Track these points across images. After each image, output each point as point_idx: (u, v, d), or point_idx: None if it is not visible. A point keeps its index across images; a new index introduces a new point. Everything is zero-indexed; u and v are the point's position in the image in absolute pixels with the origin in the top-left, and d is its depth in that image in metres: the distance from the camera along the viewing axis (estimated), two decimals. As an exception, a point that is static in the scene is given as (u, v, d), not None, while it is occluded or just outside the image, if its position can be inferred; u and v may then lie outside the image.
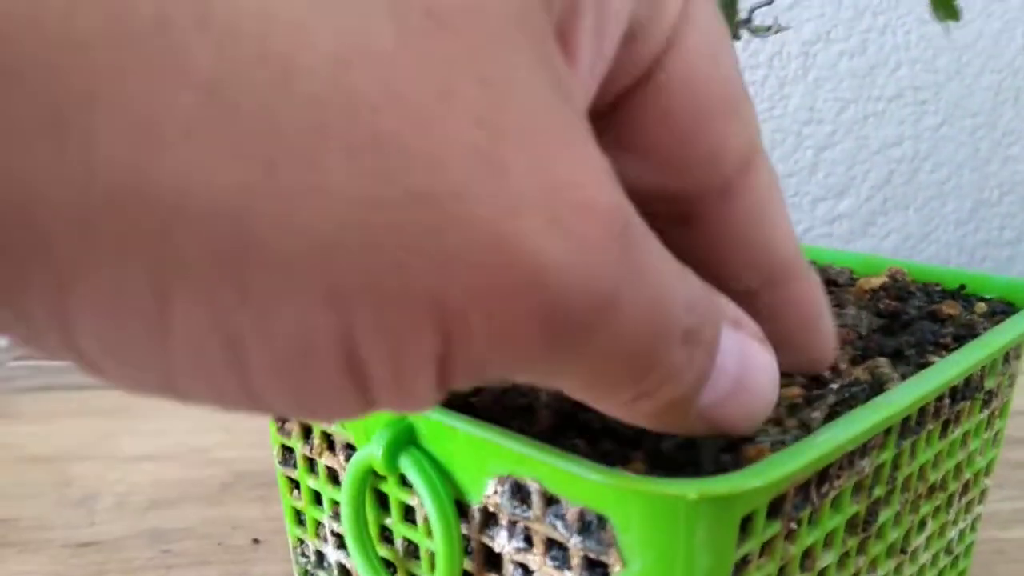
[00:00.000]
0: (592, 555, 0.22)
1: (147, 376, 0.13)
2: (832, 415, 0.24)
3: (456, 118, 0.12)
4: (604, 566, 0.22)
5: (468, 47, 0.12)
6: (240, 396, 0.13)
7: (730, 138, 0.19)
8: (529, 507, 0.23)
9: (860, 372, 0.26)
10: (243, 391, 0.13)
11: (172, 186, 0.11)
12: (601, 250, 0.14)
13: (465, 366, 0.14)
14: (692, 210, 0.20)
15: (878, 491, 0.27)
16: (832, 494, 0.24)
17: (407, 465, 0.25)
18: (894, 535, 0.29)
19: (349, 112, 0.11)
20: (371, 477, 0.27)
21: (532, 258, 0.13)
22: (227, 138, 0.11)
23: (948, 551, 0.34)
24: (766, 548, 0.23)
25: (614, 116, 0.19)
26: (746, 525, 0.22)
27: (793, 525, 0.23)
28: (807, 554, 0.25)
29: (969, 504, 0.35)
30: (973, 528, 0.36)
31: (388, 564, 0.28)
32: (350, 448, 0.28)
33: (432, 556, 0.26)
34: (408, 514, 0.27)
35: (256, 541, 0.44)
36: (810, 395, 0.26)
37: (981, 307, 0.33)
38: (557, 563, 0.23)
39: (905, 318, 0.32)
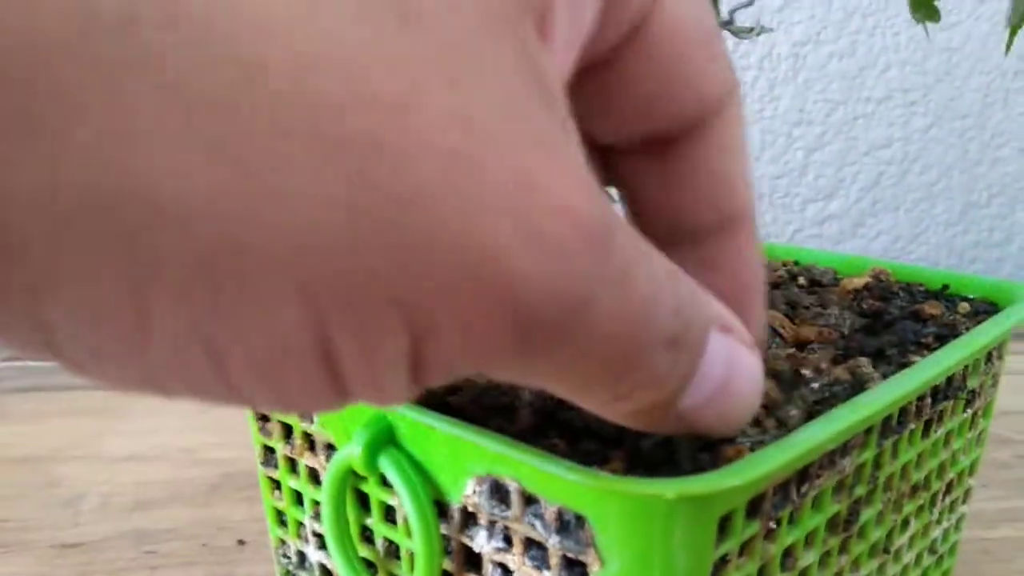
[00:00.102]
0: (571, 555, 0.22)
1: (128, 373, 0.13)
2: (812, 414, 0.24)
3: (426, 120, 0.12)
4: (583, 566, 0.22)
5: (439, 48, 0.12)
6: (219, 391, 0.13)
7: (713, 75, 0.20)
8: (508, 507, 0.23)
9: (841, 372, 0.26)
10: (222, 386, 0.13)
11: (142, 187, 0.11)
12: (576, 258, 0.14)
13: (437, 364, 0.14)
14: (668, 147, 0.21)
15: (860, 490, 0.27)
16: (813, 493, 0.24)
17: (387, 465, 0.25)
18: (877, 534, 0.29)
19: (317, 113, 0.11)
20: (351, 477, 0.27)
21: (499, 262, 0.13)
22: (196, 139, 0.11)
23: (932, 551, 0.34)
24: (746, 548, 0.23)
25: (602, 69, 0.19)
26: (725, 524, 0.22)
27: (773, 524, 0.23)
28: (788, 553, 0.25)
29: (953, 504, 0.35)
30: (957, 528, 0.36)
31: (369, 564, 0.28)
32: (331, 448, 0.28)
33: (412, 556, 0.26)
34: (389, 514, 0.27)
35: (241, 542, 0.44)
36: (789, 394, 0.26)
37: (964, 307, 0.33)
38: (536, 563, 0.23)
39: (887, 318, 0.32)
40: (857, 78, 0.84)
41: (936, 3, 0.32)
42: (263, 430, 0.31)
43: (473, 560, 0.25)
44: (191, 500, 0.48)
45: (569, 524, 0.22)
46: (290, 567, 0.33)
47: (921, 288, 0.35)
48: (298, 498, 0.31)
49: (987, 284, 0.34)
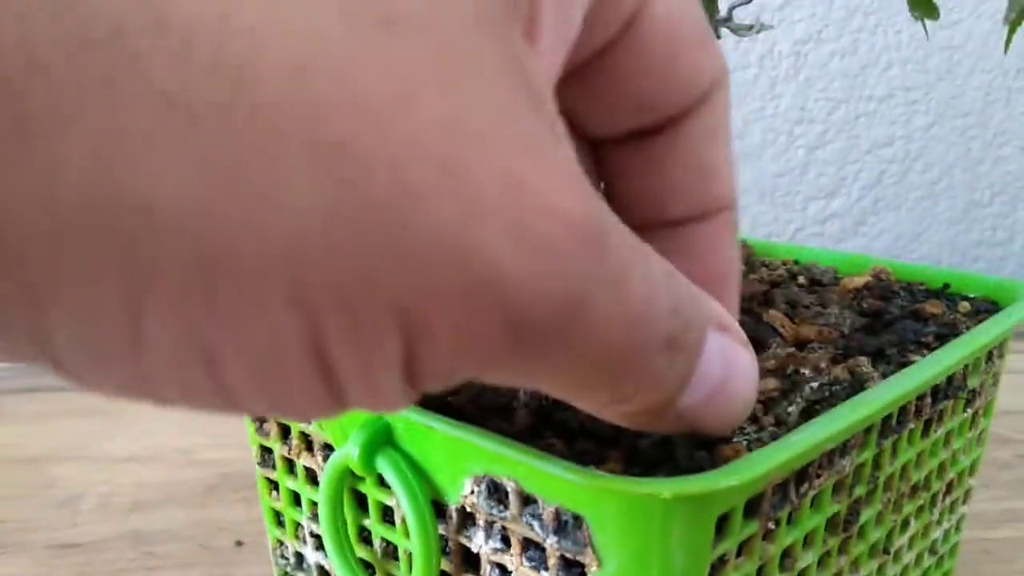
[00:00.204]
0: (568, 555, 0.22)
1: (124, 382, 0.13)
2: (811, 414, 0.24)
3: (416, 124, 0.12)
4: (581, 566, 0.22)
5: (427, 52, 0.12)
6: (216, 399, 0.13)
7: (703, 64, 0.20)
8: (506, 507, 0.23)
9: (840, 371, 0.26)
10: (218, 394, 0.13)
11: (136, 194, 0.11)
12: (569, 259, 0.14)
13: (432, 369, 0.14)
14: (654, 135, 0.21)
15: (859, 490, 0.26)
16: (812, 493, 0.24)
17: (384, 465, 0.25)
18: (876, 535, 0.28)
19: (307, 118, 0.11)
20: (349, 477, 0.27)
21: (491, 264, 0.13)
22: (188, 146, 0.11)
23: (932, 551, 0.34)
24: (744, 548, 0.23)
25: (594, 65, 0.19)
26: (723, 525, 0.22)
27: (771, 525, 0.23)
28: (787, 554, 0.25)
29: (953, 504, 0.34)
30: (958, 528, 0.36)
31: (367, 565, 0.28)
32: (328, 448, 0.28)
33: (410, 557, 0.26)
34: (387, 515, 0.27)
35: (239, 543, 0.44)
36: (786, 389, 0.25)
37: (965, 306, 0.33)
38: (534, 563, 0.23)
39: (888, 317, 0.31)
40: (859, 76, 0.84)
41: (935, 0, 0.32)
42: (260, 431, 0.31)
43: (471, 560, 0.25)
44: (189, 501, 0.48)
45: (567, 524, 0.22)
46: (288, 568, 0.33)
47: (922, 287, 0.35)
48: (296, 499, 0.31)
49: (988, 283, 0.34)
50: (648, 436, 0.23)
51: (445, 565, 0.25)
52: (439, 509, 0.25)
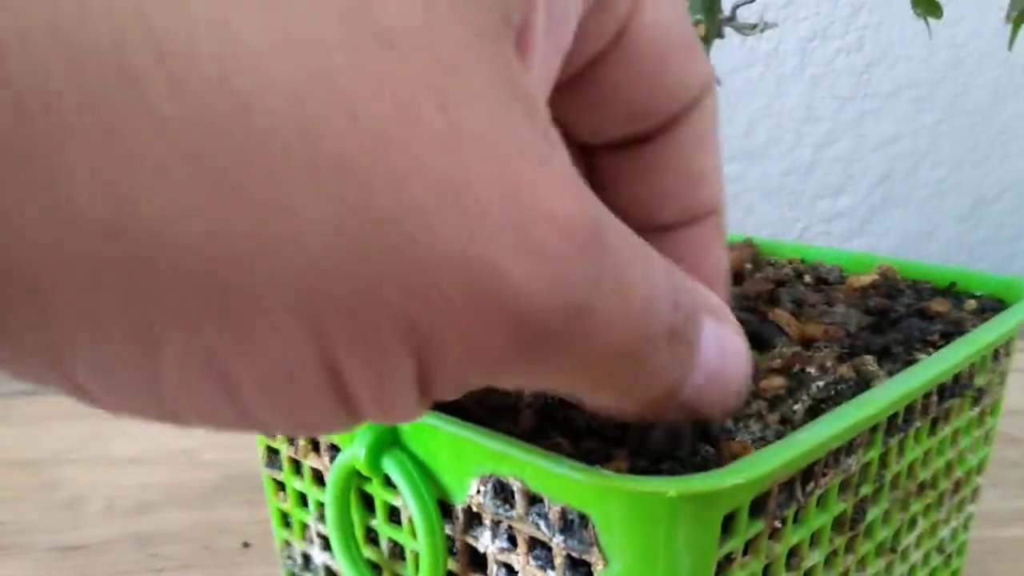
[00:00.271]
0: (575, 554, 0.22)
1: (141, 405, 0.13)
2: (817, 412, 0.24)
3: (416, 142, 0.12)
4: (587, 565, 0.22)
5: (423, 68, 0.12)
6: (232, 418, 0.14)
7: (692, 72, 0.20)
8: (512, 506, 0.23)
9: (846, 369, 0.26)
10: (235, 414, 0.14)
11: (146, 224, 0.11)
12: (569, 262, 0.14)
13: (444, 380, 0.14)
14: (644, 142, 0.21)
15: (865, 489, 0.26)
16: (818, 492, 0.24)
17: (390, 466, 0.25)
18: (883, 534, 0.28)
19: (310, 142, 0.11)
20: (356, 478, 0.27)
21: (495, 274, 0.13)
22: (196, 174, 0.11)
23: (940, 550, 0.34)
24: (750, 547, 0.23)
25: (586, 74, 0.20)
26: (729, 523, 0.22)
27: (778, 523, 0.23)
28: (793, 553, 0.25)
29: (961, 503, 0.34)
30: (966, 527, 0.36)
31: (374, 566, 0.28)
32: (335, 449, 0.28)
33: (417, 557, 0.26)
34: (393, 515, 0.27)
35: (245, 545, 0.44)
36: (792, 388, 0.25)
37: (971, 304, 0.33)
38: (540, 563, 0.23)
39: (893, 316, 0.31)
40: (864, 74, 0.84)
41: (939, -2, 0.32)
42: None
43: (478, 560, 0.25)
44: (193, 502, 0.48)
45: (573, 523, 0.22)
46: (295, 569, 0.33)
47: (928, 286, 0.35)
48: (302, 500, 0.31)
49: (994, 281, 0.34)
50: (653, 434, 0.23)
51: (452, 565, 0.25)
52: (445, 509, 0.25)
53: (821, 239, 0.87)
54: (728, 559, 0.22)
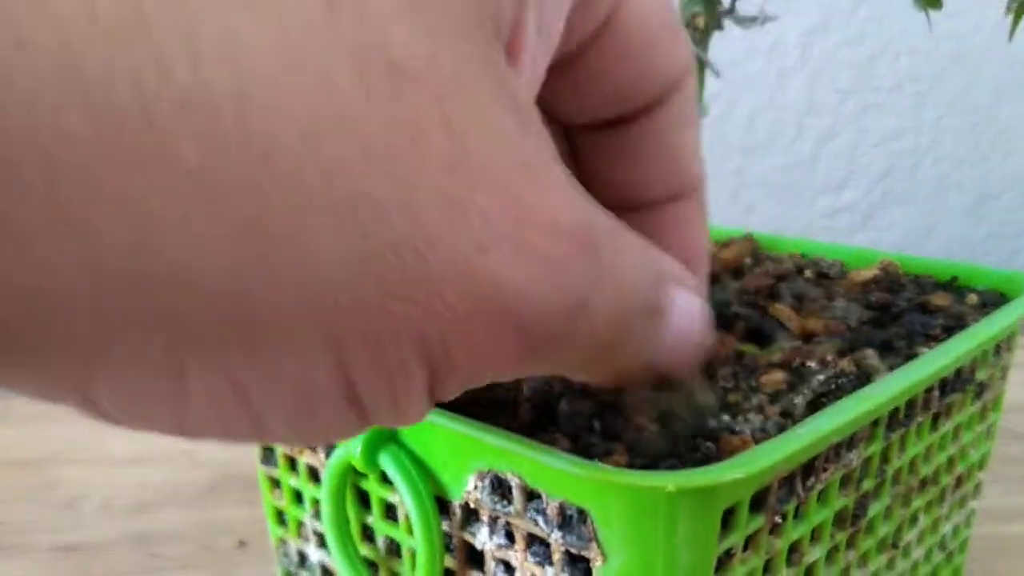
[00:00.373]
0: (573, 550, 0.22)
1: (159, 425, 0.14)
2: (817, 406, 0.24)
3: (427, 169, 0.13)
4: (586, 561, 0.22)
5: (431, 97, 0.13)
6: (252, 434, 0.15)
7: (675, 56, 0.21)
8: (510, 502, 0.23)
9: (847, 363, 0.26)
10: (252, 430, 0.14)
11: (174, 268, 0.11)
12: (570, 266, 0.15)
13: (452, 384, 0.15)
14: (627, 124, 0.22)
15: (867, 484, 0.26)
16: (819, 487, 0.24)
17: (387, 462, 0.25)
18: (885, 529, 0.28)
19: (330, 178, 0.12)
20: (352, 475, 0.27)
21: (504, 288, 0.14)
22: (220, 218, 0.11)
23: (942, 546, 0.34)
24: (750, 542, 0.23)
25: (571, 61, 0.20)
26: (729, 518, 0.22)
27: (778, 519, 0.23)
28: (794, 548, 0.25)
29: (963, 499, 0.34)
30: (968, 523, 0.36)
31: (370, 563, 0.28)
32: (330, 446, 0.28)
33: (414, 554, 0.26)
34: (390, 512, 0.27)
35: (242, 544, 0.44)
36: (793, 382, 0.25)
37: (972, 299, 0.32)
38: (538, 559, 0.23)
39: (895, 310, 0.31)
40: (866, 68, 0.83)
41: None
42: (263, 428, 0.31)
43: (475, 557, 0.25)
44: (191, 502, 0.48)
45: (571, 519, 0.22)
46: (291, 567, 0.32)
47: (929, 280, 0.35)
48: (298, 497, 0.31)
49: (996, 275, 0.34)
50: (650, 431, 0.23)
51: (449, 562, 0.25)
52: (442, 505, 0.25)
53: (823, 235, 0.86)
54: (728, 554, 0.22)
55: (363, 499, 0.28)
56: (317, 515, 0.30)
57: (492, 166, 0.13)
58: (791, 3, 0.79)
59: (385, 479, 0.26)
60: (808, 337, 0.29)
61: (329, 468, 0.26)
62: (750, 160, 0.83)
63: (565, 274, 0.14)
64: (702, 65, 0.31)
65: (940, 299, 0.31)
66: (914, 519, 0.30)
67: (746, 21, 0.32)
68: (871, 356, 0.26)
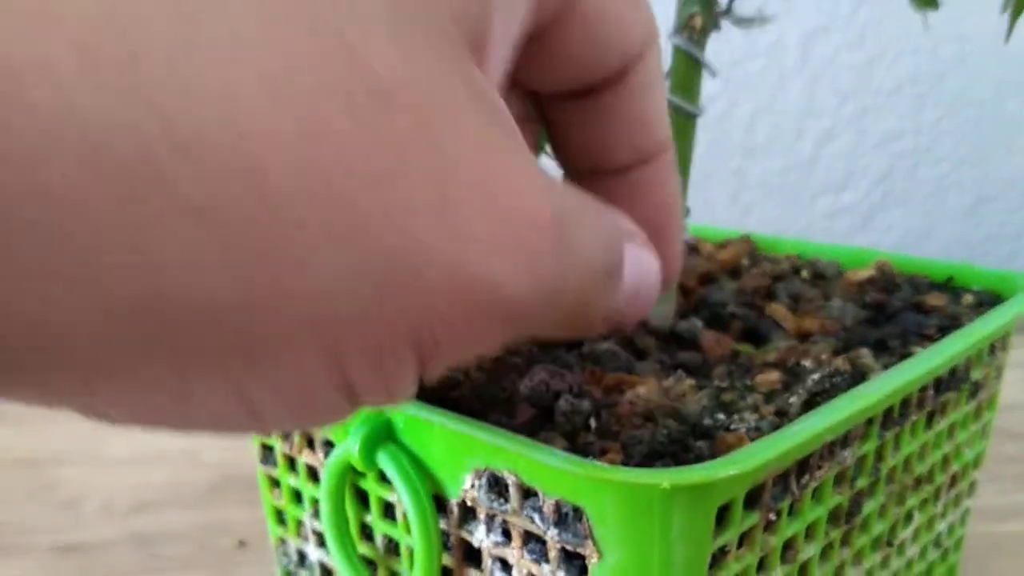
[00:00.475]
0: (569, 547, 0.22)
1: (161, 424, 0.15)
2: (812, 405, 0.24)
3: (415, 184, 0.13)
4: (581, 558, 0.22)
5: (415, 118, 0.13)
6: (250, 428, 0.15)
7: (636, 25, 0.21)
8: (506, 500, 0.23)
9: (841, 362, 0.26)
10: (251, 423, 0.15)
11: (177, 295, 0.12)
12: (546, 254, 0.15)
13: (438, 367, 0.16)
14: (593, 91, 0.22)
15: (861, 482, 0.26)
16: (813, 485, 0.24)
17: (385, 461, 0.25)
18: (879, 527, 0.28)
19: (323, 203, 0.12)
20: (350, 474, 0.27)
21: (489, 283, 0.14)
22: (218, 247, 0.12)
23: (937, 544, 0.34)
24: (745, 539, 0.23)
25: (535, 35, 0.20)
26: (724, 515, 0.22)
27: (773, 516, 0.23)
28: (788, 545, 0.25)
29: (958, 497, 0.34)
30: (963, 522, 0.36)
31: (369, 562, 0.28)
32: (329, 445, 0.28)
33: (412, 552, 0.26)
34: (388, 511, 0.27)
35: (242, 544, 0.44)
36: (788, 381, 0.25)
37: (968, 299, 0.33)
38: (535, 556, 0.23)
39: (890, 310, 0.31)
40: (866, 70, 0.84)
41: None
42: (263, 427, 0.31)
43: (473, 555, 0.25)
44: (191, 502, 0.48)
45: (567, 516, 0.22)
46: (290, 566, 0.33)
47: (925, 280, 0.35)
48: (297, 496, 0.31)
49: (992, 275, 0.34)
50: (646, 430, 0.23)
51: (447, 560, 0.25)
52: (440, 504, 0.25)
53: (822, 236, 0.86)
54: (723, 551, 0.22)
55: (362, 498, 0.28)
56: (316, 514, 0.30)
57: (474, 174, 0.14)
58: (792, 4, 0.79)
59: (383, 478, 0.26)
60: (804, 337, 0.30)
61: (328, 468, 0.27)
62: (750, 161, 0.83)
63: (540, 263, 0.15)
64: (699, 65, 0.31)
65: (935, 299, 0.32)
66: (909, 517, 0.31)
67: (743, 22, 0.32)
68: (866, 355, 0.27)
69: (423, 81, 0.14)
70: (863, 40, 0.82)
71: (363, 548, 0.28)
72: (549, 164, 0.24)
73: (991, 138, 0.87)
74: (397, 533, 0.27)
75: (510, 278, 0.15)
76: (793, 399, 0.24)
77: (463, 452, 0.23)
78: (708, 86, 0.36)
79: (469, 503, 0.24)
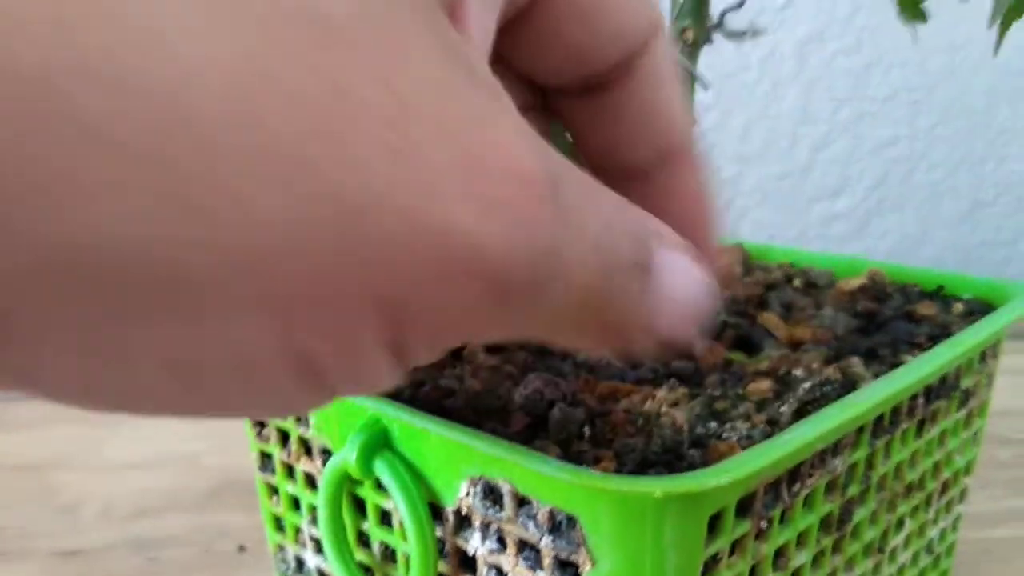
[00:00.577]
0: (563, 555, 0.22)
1: (107, 401, 0.14)
2: (803, 413, 0.24)
3: (362, 122, 0.12)
4: (575, 566, 0.22)
5: (364, 50, 0.12)
6: (201, 406, 0.14)
7: (634, 14, 0.20)
8: (501, 508, 0.23)
9: (832, 371, 0.26)
10: (202, 402, 0.14)
11: (102, 240, 0.11)
12: (528, 213, 0.14)
13: (420, 346, 0.14)
14: (602, 86, 0.21)
15: (852, 490, 0.27)
16: (804, 493, 0.24)
17: (382, 469, 0.25)
18: (871, 534, 0.29)
19: (253, 136, 0.11)
20: (348, 482, 0.27)
21: (460, 238, 0.13)
22: (144, 186, 0.11)
23: (929, 550, 0.34)
24: (737, 547, 0.23)
25: (529, 19, 0.20)
26: (716, 523, 0.22)
27: (764, 524, 0.23)
28: (780, 553, 0.25)
29: (949, 504, 0.35)
30: (955, 528, 0.36)
31: (366, 569, 0.28)
32: (327, 453, 0.28)
33: (408, 559, 0.26)
34: (385, 518, 0.27)
35: (242, 548, 0.44)
36: (779, 390, 0.26)
37: (958, 307, 0.33)
38: (529, 563, 0.23)
39: (881, 319, 0.32)
40: (862, 76, 0.84)
41: (923, 5, 0.32)
42: (260, 436, 0.31)
43: (468, 562, 0.25)
44: (191, 507, 0.48)
45: (561, 524, 0.22)
46: (289, 572, 0.33)
47: (916, 289, 0.35)
48: (295, 503, 0.31)
49: (982, 284, 0.35)
50: (642, 437, 0.23)
51: (443, 567, 0.26)
52: (436, 512, 0.25)
53: (817, 242, 0.87)
54: (715, 559, 0.22)
55: (359, 506, 0.28)
56: (314, 521, 0.30)
57: (436, 117, 0.13)
58: (786, 13, 0.80)
59: (380, 486, 0.26)
60: (796, 345, 0.30)
61: (325, 475, 0.27)
62: (745, 168, 0.84)
63: (524, 221, 0.14)
64: (692, 78, 0.31)
65: (925, 308, 0.32)
66: (900, 524, 0.31)
67: (736, 35, 0.32)
68: (856, 364, 0.27)
69: (376, 16, 0.13)
70: (859, 47, 0.83)
71: (360, 555, 0.28)
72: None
73: (986, 143, 0.87)
74: (394, 540, 0.27)
75: (485, 232, 0.13)
76: (784, 408, 0.25)
77: (458, 460, 0.24)
78: (700, 98, 0.36)
79: (464, 511, 0.24)
